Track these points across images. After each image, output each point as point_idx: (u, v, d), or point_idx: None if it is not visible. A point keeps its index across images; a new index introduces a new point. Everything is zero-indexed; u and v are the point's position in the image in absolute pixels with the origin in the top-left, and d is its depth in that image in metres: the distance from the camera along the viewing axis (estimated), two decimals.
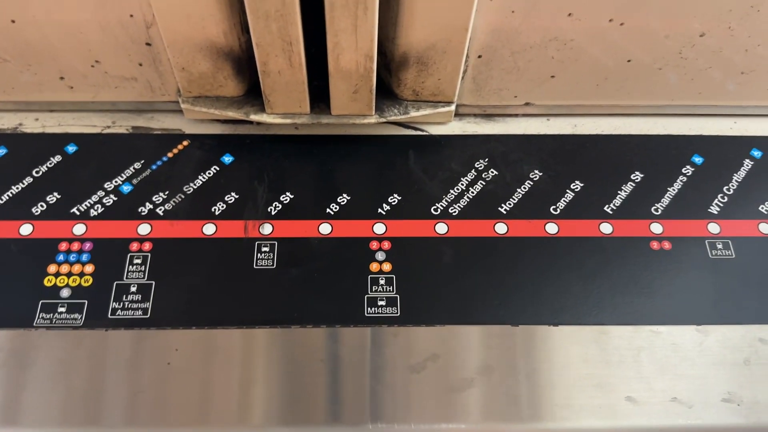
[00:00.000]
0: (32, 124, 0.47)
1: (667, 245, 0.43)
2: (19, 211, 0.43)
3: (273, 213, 0.44)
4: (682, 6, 0.40)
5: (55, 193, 0.44)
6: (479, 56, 0.43)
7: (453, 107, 0.45)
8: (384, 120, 0.45)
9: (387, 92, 0.46)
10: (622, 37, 0.42)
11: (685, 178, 0.46)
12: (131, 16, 0.40)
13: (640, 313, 0.41)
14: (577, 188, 0.46)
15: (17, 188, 0.44)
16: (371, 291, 0.41)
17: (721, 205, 0.45)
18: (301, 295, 0.41)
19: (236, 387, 0.38)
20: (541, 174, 0.46)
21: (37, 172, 0.45)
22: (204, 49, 0.41)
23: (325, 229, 0.43)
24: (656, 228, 0.44)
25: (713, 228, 0.44)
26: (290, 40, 0.38)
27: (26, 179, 0.44)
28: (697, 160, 0.47)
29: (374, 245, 0.43)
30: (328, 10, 0.36)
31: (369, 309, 0.41)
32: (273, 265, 0.42)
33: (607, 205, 0.45)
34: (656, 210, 0.45)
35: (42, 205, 0.43)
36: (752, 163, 0.47)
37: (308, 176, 0.46)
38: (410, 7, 0.38)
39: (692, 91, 0.47)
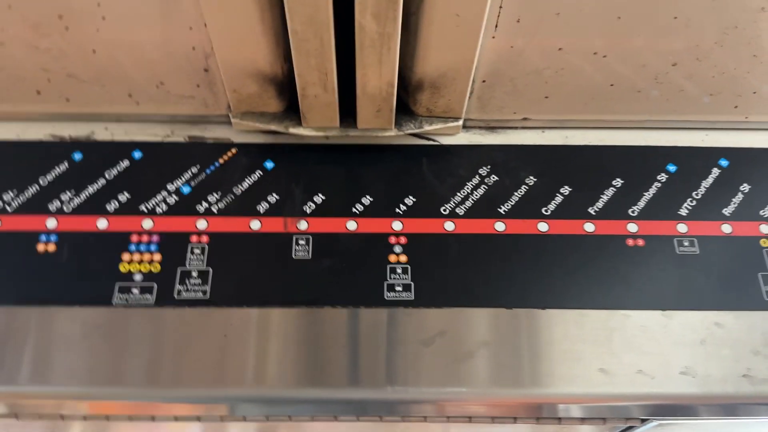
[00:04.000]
0: (103, 132, 0.55)
1: (640, 242, 0.51)
2: (95, 207, 0.52)
3: (308, 211, 0.52)
4: (656, 42, 0.48)
5: (126, 193, 0.52)
6: (483, 81, 0.51)
7: (461, 122, 0.53)
8: (402, 133, 0.53)
9: (405, 108, 0.53)
10: (605, 67, 0.50)
11: (659, 184, 0.54)
12: (193, 48, 0.48)
13: (614, 300, 0.49)
14: (566, 192, 0.53)
15: (93, 188, 0.53)
16: (390, 278, 0.49)
17: (690, 208, 0.53)
18: (332, 282, 0.49)
19: (277, 355, 0.47)
20: (535, 180, 0.54)
21: (108, 175, 0.53)
22: (253, 75, 0.49)
23: (351, 225, 0.52)
24: (632, 227, 0.52)
25: (681, 228, 0.52)
26: (326, 72, 0.46)
27: (100, 180, 0.53)
28: (671, 168, 0.55)
29: (392, 240, 0.51)
30: (358, 49, 0.44)
31: (388, 293, 0.49)
32: (309, 256, 0.50)
33: (590, 207, 0.53)
34: (633, 212, 0.53)
35: (115, 203, 0.52)
36: (719, 171, 0.55)
37: (337, 180, 0.54)
38: (425, 44, 0.46)
39: (668, 109, 0.54)
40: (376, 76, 0.46)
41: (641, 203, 0.53)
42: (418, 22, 0.44)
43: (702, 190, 0.54)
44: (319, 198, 0.53)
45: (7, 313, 0.47)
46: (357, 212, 0.52)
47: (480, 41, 0.45)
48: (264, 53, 0.47)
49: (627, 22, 0.46)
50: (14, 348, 0.46)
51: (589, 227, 0.52)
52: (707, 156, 0.56)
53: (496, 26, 0.46)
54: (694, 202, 0.53)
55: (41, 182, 0.53)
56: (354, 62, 0.46)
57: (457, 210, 0.52)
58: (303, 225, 0.52)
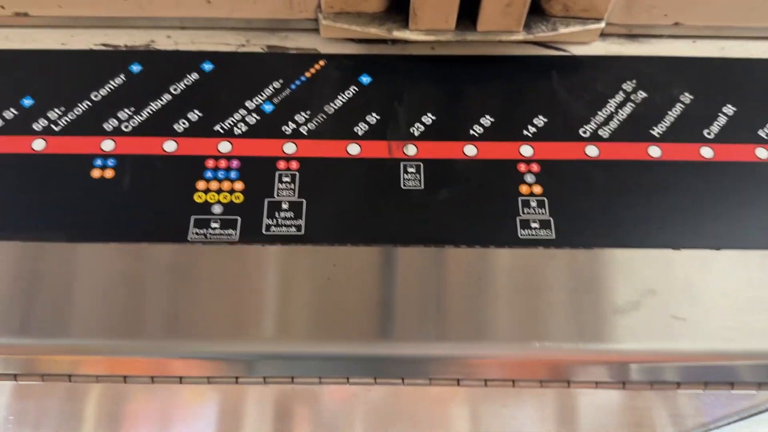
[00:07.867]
0: (164, 41, 0.46)
1: None
2: (161, 127, 0.43)
3: (416, 134, 0.43)
4: None
5: (196, 111, 0.43)
6: None
7: (602, 24, 0.44)
8: (531, 37, 0.43)
9: (532, 8, 0.44)
10: None
11: None
12: None
13: None
14: (729, 112, 0.44)
15: (156, 105, 0.43)
16: (523, 213, 0.40)
17: None
18: (452, 216, 0.40)
19: (394, 302, 0.38)
20: (691, 97, 0.44)
21: (175, 90, 0.44)
22: None
23: (470, 150, 0.42)
24: None
25: None
26: None
27: (165, 96, 0.44)
28: None
29: (522, 167, 0.42)
30: None
31: (522, 231, 0.40)
32: (421, 186, 0.41)
33: (761, 130, 0.43)
34: None
35: (184, 123, 0.43)
36: None
37: (449, 97, 0.44)
38: None
39: None
40: None
41: None
42: None
43: None
44: (428, 118, 0.43)
45: (58, 250, 0.39)
46: (476, 135, 0.43)
47: None
48: None
49: None
50: (56, 290, 0.38)
51: (761, 153, 0.42)
52: None
53: None
54: None
55: (93, 98, 0.44)
56: None
57: (600, 132, 0.43)
58: (411, 150, 0.42)
